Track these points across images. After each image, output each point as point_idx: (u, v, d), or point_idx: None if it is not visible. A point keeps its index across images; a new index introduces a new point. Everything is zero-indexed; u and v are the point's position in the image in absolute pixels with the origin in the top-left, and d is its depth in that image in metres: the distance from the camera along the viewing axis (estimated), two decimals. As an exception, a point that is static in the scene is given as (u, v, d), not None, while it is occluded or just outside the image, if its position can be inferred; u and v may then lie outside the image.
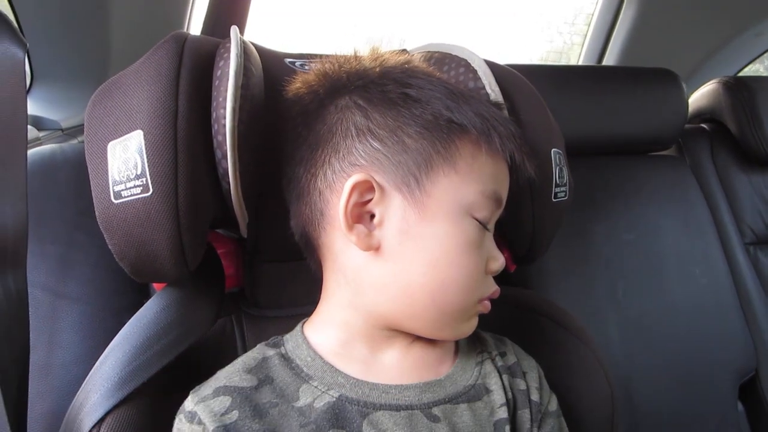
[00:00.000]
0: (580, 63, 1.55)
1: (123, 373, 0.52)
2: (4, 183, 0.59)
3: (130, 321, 0.56)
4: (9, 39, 0.60)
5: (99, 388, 0.51)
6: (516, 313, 0.69)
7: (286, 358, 0.54)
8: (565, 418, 0.60)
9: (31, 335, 0.63)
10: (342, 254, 0.54)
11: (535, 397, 0.57)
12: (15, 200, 0.59)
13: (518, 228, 0.66)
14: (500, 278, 0.78)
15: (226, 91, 0.54)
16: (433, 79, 0.57)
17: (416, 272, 0.52)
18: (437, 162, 0.52)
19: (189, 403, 0.50)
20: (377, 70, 0.56)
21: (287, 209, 0.61)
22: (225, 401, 0.49)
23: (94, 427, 0.49)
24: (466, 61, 0.65)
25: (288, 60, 0.68)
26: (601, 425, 0.65)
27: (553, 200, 0.66)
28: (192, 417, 0.49)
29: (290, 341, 0.56)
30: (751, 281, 1.07)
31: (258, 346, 0.56)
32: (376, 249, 0.52)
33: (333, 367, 0.53)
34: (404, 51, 0.73)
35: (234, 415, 0.48)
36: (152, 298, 0.58)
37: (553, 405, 0.58)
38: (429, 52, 0.70)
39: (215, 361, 0.59)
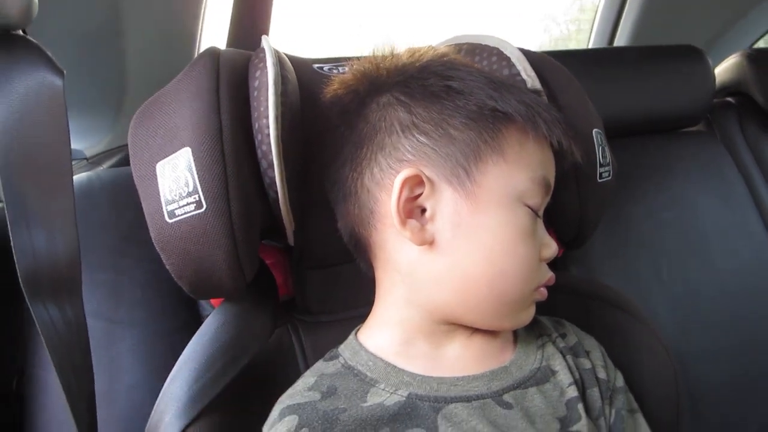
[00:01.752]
0: (590, 47, 1.54)
1: (191, 391, 0.52)
2: (53, 212, 0.60)
3: (193, 340, 0.56)
4: (46, 68, 0.61)
5: (171, 408, 0.51)
6: (568, 298, 0.69)
7: (346, 368, 0.53)
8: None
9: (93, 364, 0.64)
10: (395, 251, 0.54)
11: (602, 375, 0.56)
12: (66, 229, 0.60)
13: (565, 212, 0.66)
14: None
15: (266, 100, 0.54)
16: (473, 70, 0.57)
17: (472, 264, 0.51)
18: (485, 152, 0.52)
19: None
20: (417, 65, 0.56)
21: (330, 213, 0.61)
22: (292, 421, 0.48)
23: None
24: (497, 49, 0.65)
25: (317, 66, 0.68)
26: (666, 406, 0.63)
27: (598, 181, 0.65)
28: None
29: (347, 350, 0.55)
30: (793, 250, 1.06)
31: (315, 365, 0.56)
32: (430, 243, 0.52)
33: (396, 367, 0.52)
34: (431, 47, 0.73)
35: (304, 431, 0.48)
36: (211, 314, 0.58)
37: (620, 381, 0.58)
38: (457, 44, 0.69)
39: (279, 370, 0.59)
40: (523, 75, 0.63)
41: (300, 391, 0.52)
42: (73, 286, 0.60)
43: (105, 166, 1.14)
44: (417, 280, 0.53)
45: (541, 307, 0.62)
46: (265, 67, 0.56)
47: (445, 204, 0.52)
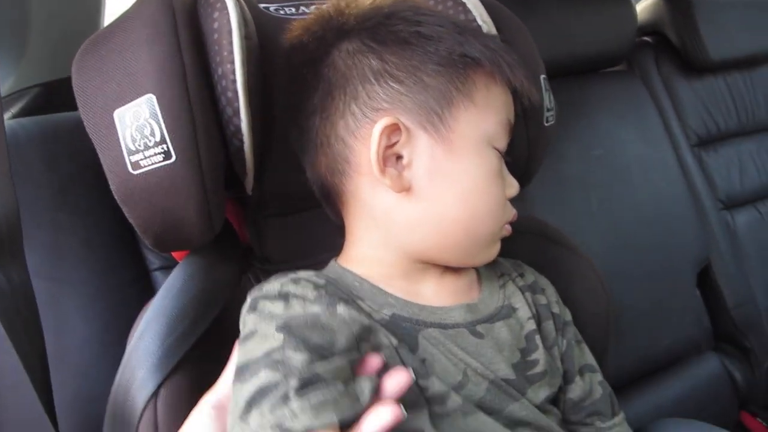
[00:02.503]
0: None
1: (165, 345, 0.51)
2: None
3: (159, 294, 0.54)
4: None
5: (144, 363, 0.50)
6: (515, 237, 0.73)
7: (333, 281, 0.52)
8: None
9: (39, 324, 0.61)
10: (371, 198, 0.55)
11: (555, 309, 0.61)
12: (2, 191, 0.55)
13: (513, 154, 0.68)
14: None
15: (230, 44, 0.52)
16: (440, 16, 0.57)
17: (448, 207, 0.53)
18: (456, 97, 0.53)
19: (272, 288, 0.49)
20: (384, 10, 0.55)
21: (289, 161, 0.60)
22: (307, 284, 0.49)
23: (149, 401, 0.49)
24: (453, -6, 0.64)
25: (262, 6, 0.65)
26: (599, 329, 0.70)
27: (545, 124, 0.68)
28: (283, 295, 0.48)
29: (330, 273, 0.56)
30: (699, 179, 1.17)
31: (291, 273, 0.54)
32: (407, 189, 0.53)
33: (382, 289, 0.54)
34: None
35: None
36: (177, 267, 0.56)
37: (569, 315, 0.63)
38: None
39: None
40: (479, 21, 0.63)
41: (291, 277, 0.51)
42: (15, 248, 0.56)
43: (12, 111, 1.04)
44: (394, 225, 0.54)
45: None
46: (225, 8, 0.53)
47: (421, 150, 0.52)
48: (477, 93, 0.54)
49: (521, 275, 0.63)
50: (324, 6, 0.57)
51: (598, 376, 0.61)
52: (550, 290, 0.63)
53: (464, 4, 0.64)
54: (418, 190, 0.53)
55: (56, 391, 0.61)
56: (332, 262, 0.58)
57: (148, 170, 0.49)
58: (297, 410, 0.38)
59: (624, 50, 1.12)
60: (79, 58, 0.52)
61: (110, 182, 0.50)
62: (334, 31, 0.55)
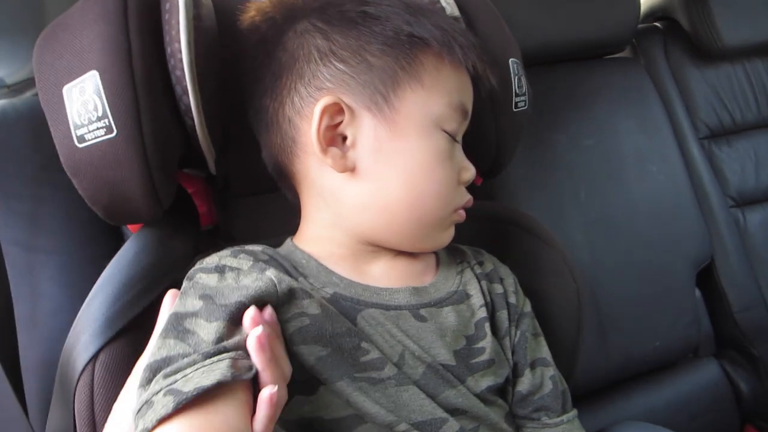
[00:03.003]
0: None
1: (109, 312, 0.53)
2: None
3: (111, 263, 0.56)
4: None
5: (88, 328, 0.52)
6: (485, 224, 0.72)
7: (276, 258, 0.54)
8: (537, 318, 0.64)
9: (13, 290, 0.64)
10: (318, 179, 0.55)
11: (512, 299, 0.60)
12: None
13: (482, 140, 0.67)
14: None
15: (178, 24, 0.53)
16: None
17: (393, 188, 0.53)
18: (403, 78, 0.52)
19: (197, 270, 0.50)
20: None
21: (255, 142, 0.61)
22: (247, 257, 0.51)
23: (87, 364, 0.51)
24: (418, -25, 0.64)
25: None
26: (570, 321, 0.69)
27: (514, 110, 0.67)
28: (219, 269, 0.49)
29: (281, 250, 0.56)
30: (706, 174, 1.11)
31: (241, 246, 0.55)
32: (352, 170, 0.53)
33: (327, 268, 0.54)
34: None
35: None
36: (129, 239, 0.58)
37: (527, 307, 0.62)
38: None
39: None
40: (442, 2, 0.63)
41: (235, 253, 0.52)
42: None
43: (28, 94, 1.09)
44: (341, 206, 0.55)
45: (460, 234, 0.65)
46: None
47: (365, 131, 0.53)
48: (425, 74, 0.53)
49: (480, 263, 0.62)
50: None
51: (550, 371, 0.60)
52: (510, 280, 0.62)
53: None
54: (363, 171, 0.53)
55: (26, 351, 0.65)
56: (288, 240, 0.59)
57: (92, 144, 0.51)
58: (192, 376, 0.39)
59: (626, 36, 1.07)
60: (41, 36, 0.54)
61: (60, 155, 0.52)
62: (286, 12, 0.56)
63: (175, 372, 0.40)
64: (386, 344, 0.51)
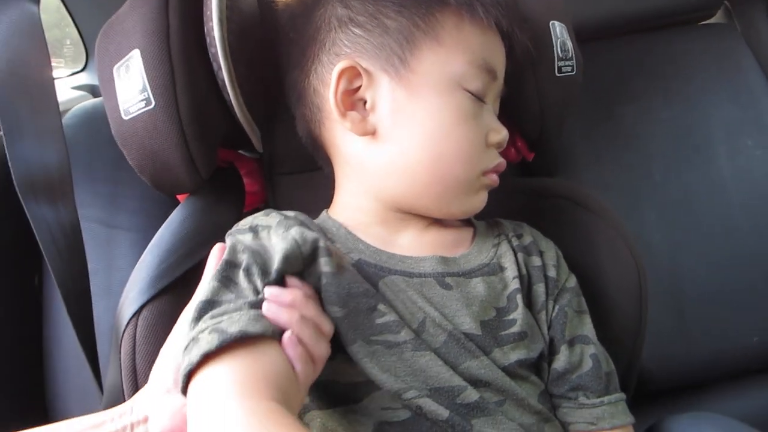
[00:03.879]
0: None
1: (154, 273, 0.58)
2: (43, 128, 0.67)
3: (160, 229, 0.61)
4: (24, -3, 0.66)
5: (135, 286, 0.58)
6: (537, 200, 0.69)
7: (306, 223, 0.55)
8: (590, 296, 0.60)
9: (92, 262, 0.71)
10: (343, 145, 0.57)
11: (551, 273, 0.57)
12: (54, 141, 0.67)
13: (524, 107, 0.65)
14: (523, 169, 0.78)
15: (210, 3, 0.56)
16: None
17: (413, 149, 0.53)
18: (419, 37, 0.52)
19: (234, 232, 0.52)
20: None
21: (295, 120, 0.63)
22: (276, 214, 0.53)
23: (132, 317, 0.56)
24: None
25: None
26: (629, 299, 0.64)
27: (557, 75, 0.64)
28: (253, 228, 0.51)
29: (317, 220, 0.58)
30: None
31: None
32: (372, 133, 0.54)
33: (355, 236, 0.55)
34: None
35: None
36: (178, 207, 0.63)
37: (571, 282, 0.58)
38: None
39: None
40: None
41: (271, 211, 0.55)
42: (64, 189, 0.67)
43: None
44: (366, 170, 0.56)
45: (507, 208, 0.63)
46: None
47: (383, 93, 0.53)
48: (443, 32, 0.53)
49: (519, 236, 0.60)
50: None
51: (591, 349, 0.55)
52: (550, 253, 0.59)
53: None
54: (383, 134, 0.54)
55: (101, 318, 0.72)
56: (323, 212, 0.60)
57: (135, 116, 0.56)
58: (238, 319, 0.41)
59: (712, 1, 0.96)
60: (103, 27, 0.61)
61: (111, 127, 0.58)
62: None
63: (222, 314, 0.42)
64: (406, 310, 0.50)
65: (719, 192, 0.87)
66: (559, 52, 0.63)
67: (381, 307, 0.49)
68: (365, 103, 0.54)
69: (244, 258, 0.47)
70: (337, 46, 0.54)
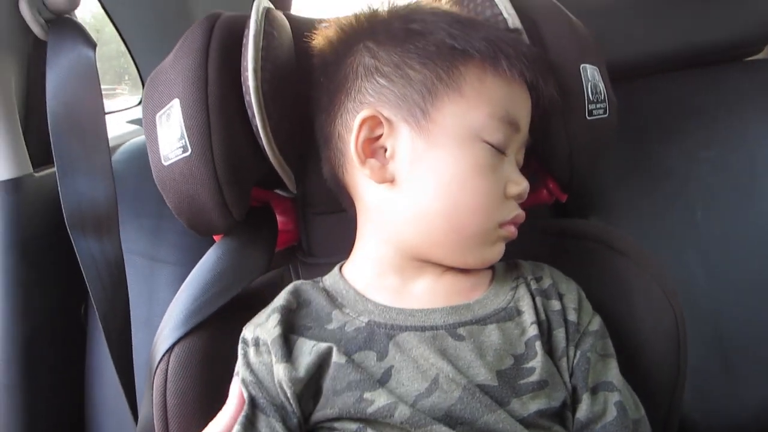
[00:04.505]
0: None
1: (187, 310, 0.59)
2: (93, 165, 0.71)
3: (196, 267, 0.64)
4: (83, 43, 0.72)
5: (169, 322, 0.60)
6: (567, 242, 0.68)
7: (323, 289, 0.58)
8: (624, 343, 0.58)
9: (133, 294, 0.75)
10: (364, 191, 0.58)
11: (572, 317, 0.55)
12: (104, 178, 0.71)
13: (554, 150, 0.65)
14: (557, 210, 0.77)
15: (247, 54, 0.59)
16: (439, 12, 0.58)
17: (429, 198, 0.54)
18: (441, 89, 0.53)
19: (248, 333, 0.55)
20: (386, 13, 0.59)
21: (328, 163, 0.65)
22: (276, 318, 0.54)
23: (165, 353, 0.58)
24: (482, -11, 0.65)
25: (323, 25, 0.72)
26: (666, 346, 0.61)
27: (588, 118, 0.63)
28: (252, 342, 0.54)
29: (328, 279, 0.60)
30: None
31: (297, 282, 0.61)
32: (392, 181, 0.55)
33: (364, 296, 0.56)
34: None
35: (284, 327, 0.53)
36: (212, 247, 0.65)
37: (595, 325, 0.57)
38: None
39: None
40: (504, 14, 0.62)
41: (284, 294, 0.57)
42: (111, 225, 0.71)
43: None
44: (384, 217, 0.57)
45: (540, 252, 0.62)
46: (249, 24, 0.61)
47: (403, 142, 0.54)
48: (466, 85, 0.53)
49: (538, 279, 0.59)
50: (345, 16, 0.62)
51: (616, 396, 0.53)
52: (572, 296, 0.58)
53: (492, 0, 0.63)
54: (402, 182, 0.55)
55: (140, 349, 0.75)
56: (336, 268, 0.61)
57: (173, 162, 0.59)
58: None
59: (760, 34, 0.93)
60: (150, 76, 0.65)
61: (153, 173, 0.62)
62: (345, 36, 0.60)
63: None
64: (418, 371, 0.50)
65: (764, 233, 0.83)
66: (590, 95, 0.63)
67: (367, 395, 0.49)
68: (386, 150, 0.55)
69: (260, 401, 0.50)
70: (361, 94, 0.56)
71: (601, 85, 0.65)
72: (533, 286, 0.57)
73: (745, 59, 1.04)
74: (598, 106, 0.64)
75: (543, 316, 0.55)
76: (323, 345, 0.51)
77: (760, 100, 0.92)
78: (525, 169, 0.64)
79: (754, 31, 0.95)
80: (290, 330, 0.54)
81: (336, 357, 0.50)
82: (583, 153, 0.64)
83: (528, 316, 0.54)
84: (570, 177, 0.66)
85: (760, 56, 1.05)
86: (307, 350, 0.51)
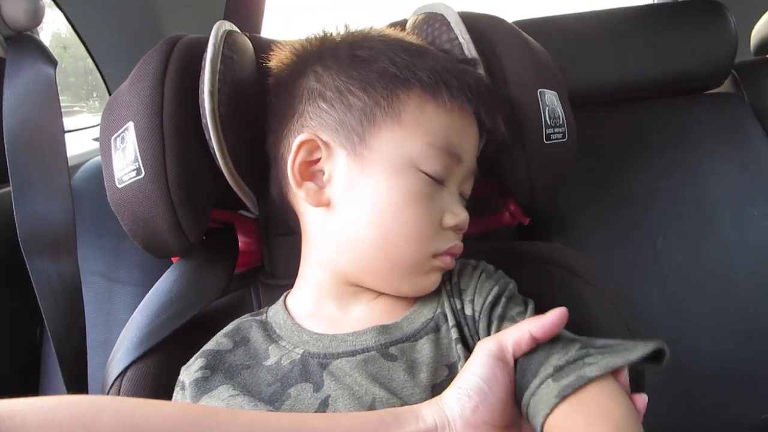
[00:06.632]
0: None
1: (141, 334, 0.58)
2: (51, 185, 0.70)
3: (151, 290, 0.63)
4: (43, 60, 0.71)
5: (122, 346, 0.59)
6: (531, 265, 0.68)
7: (263, 323, 0.58)
8: None
9: (91, 316, 0.73)
10: (304, 214, 0.58)
11: (468, 311, 0.54)
12: (62, 198, 0.70)
13: (513, 173, 0.65)
14: (522, 233, 0.77)
15: (204, 78, 0.59)
16: (388, 40, 0.59)
17: (362, 224, 0.54)
18: (380, 116, 0.54)
19: (181, 374, 0.55)
20: (338, 39, 0.59)
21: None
22: (200, 362, 0.54)
23: (117, 378, 0.57)
24: (441, 15, 0.65)
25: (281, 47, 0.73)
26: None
27: (546, 142, 0.64)
28: (180, 385, 0.54)
29: (272, 309, 0.60)
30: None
31: (244, 316, 0.61)
32: (327, 205, 0.55)
33: (301, 327, 0.56)
34: (405, 20, 0.74)
35: (206, 372, 0.53)
36: (168, 270, 0.64)
37: (490, 297, 0.54)
38: (415, 16, 0.71)
39: (232, 324, 0.64)
40: (460, 39, 0.63)
41: (217, 337, 0.57)
42: (68, 246, 0.69)
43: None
44: (320, 241, 0.57)
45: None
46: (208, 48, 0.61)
47: (340, 167, 0.55)
48: (405, 113, 0.54)
49: (451, 280, 0.58)
50: (299, 39, 0.63)
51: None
52: (470, 288, 0.56)
53: (449, 24, 0.64)
54: (337, 206, 0.55)
55: (96, 373, 0.73)
56: (282, 297, 0.61)
57: (127, 184, 0.58)
58: None
59: (721, 69, 0.96)
60: (109, 98, 0.65)
61: (107, 194, 0.61)
62: (296, 59, 0.60)
63: None
64: (353, 397, 0.49)
65: (724, 263, 0.85)
66: (548, 119, 0.64)
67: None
68: (324, 174, 0.55)
69: None
70: (304, 117, 0.56)
71: (560, 110, 0.65)
72: (447, 287, 0.57)
73: (705, 92, 1.07)
74: (556, 130, 0.65)
75: (460, 317, 0.54)
76: (239, 399, 0.50)
77: (718, 133, 0.95)
78: (486, 193, 0.65)
79: (715, 65, 0.98)
80: (222, 372, 0.53)
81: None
82: (542, 176, 0.65)
83: (450, 320, 0.54)
84: (530, 200, 0.67)
85: (719, 90, 1.08)
86: (223, 398, 0.51)
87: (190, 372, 0.53)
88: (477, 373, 0.45)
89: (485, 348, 0.47)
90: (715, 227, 0.87)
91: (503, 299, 0.54)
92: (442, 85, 0.53)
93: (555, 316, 0.47)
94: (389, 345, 0.52)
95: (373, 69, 0.54)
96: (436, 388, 0.50)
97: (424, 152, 0.53)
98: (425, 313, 0.56)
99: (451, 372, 0.51)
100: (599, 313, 0.63)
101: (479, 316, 0.54)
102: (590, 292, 0.63)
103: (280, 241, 0.71)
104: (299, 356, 0.53)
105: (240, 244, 0.70)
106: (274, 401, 0.50)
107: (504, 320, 0.53)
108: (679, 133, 0.94)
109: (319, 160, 0.55)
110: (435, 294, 0.57)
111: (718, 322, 0.82)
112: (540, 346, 0.48)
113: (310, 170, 0.55)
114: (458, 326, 0.54)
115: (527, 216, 0.71)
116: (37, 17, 0.72)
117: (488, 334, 0.52)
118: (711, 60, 0.97)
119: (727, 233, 0.87)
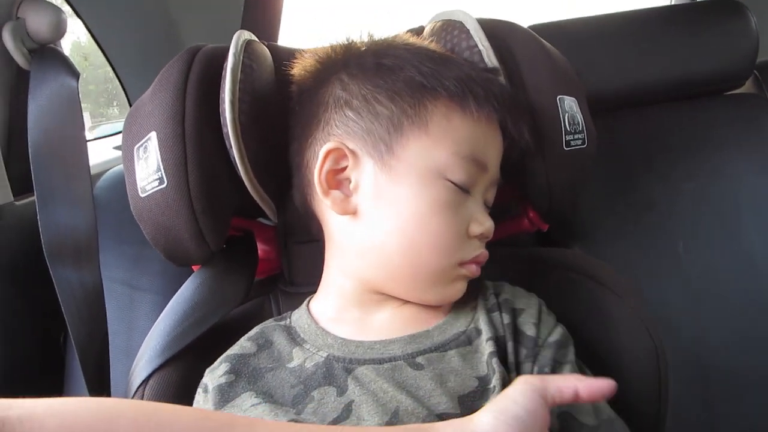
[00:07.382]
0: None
1: (164, 341, 0.59)
2: (74, 194, 0.71)
3: (173, 298, 0.63)
4: (66, 72, 0.72)
5: (146, 354, 0.59)
6: (550, 271, 0.67)
7: (286, 327, 0.59)
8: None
9: (113, 323, 0.74)
10: (329, 222, 0.58)
11: (530, 332, 0.54)
12: (84, 207, 0.71)
13: (532, 180, 0.65)
14: (541, 239, 0.77)
15: (224, 88, 0.60)
16: (413, 48, 0.59)
17: (388, 233, 0.54)
18: (407, 126, 0.54)
19: (204, 377, 0.55)
20: (363, 47, 0.60)
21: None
22: (225, 367, 0.54)
23: (140, 385, 0.57)
24: (460, 23, 0.65)
25: (304, 55, 0.73)
26: (647, 382, 0.61)
27: (566, 149, 0.63)
28: (203, 387, 0.55)
29: (296, 314, 0.60)
30: None
31: (267, 321, 0.61)
32: (353, 213, 0.55)
33: (325, 330, 0.56)
34: (421, 27, 0.74)
35: (230, 377, 0.53)
36: (189, 278, 0.65)
37: (555, 335, 0.55)
38: (433, 23, 0.71)
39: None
40: (479, 46, 0.63)
41: (242, 341, 0.57)
42: (90, 254, 0.71)
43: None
44: (346, 249, 0.57)
45: (519, 280, 0.62)
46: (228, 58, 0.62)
47: (367, 175, 0.55)
48: (432, 123, 0.54)
49: (497, 294, 0.58)
50: (322, 47, 0.63)
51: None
52: (531, 311, 0.56)
53: (468, 31, 0.64)
54: (363, 215, 0.55)
55: (118, 380, 0.74)
56: (305, 302, 0.62)
57: (150, 194, 0.59)
58: None
59: (741, 69, 0.94)
60: (130, 110, 0.66)
61: (130, 204, 0.62)
62: (321, 67, 0.61)
63: None
64: (377, 404, 0.49)
65: (747, 266, 0.83)
66: (567, 126, 0.63)
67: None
68: (351, 182, 0.55)
69: None
70: (330, 125, 0.56)
71: (579, 116, 0.65)
72: (491, 301, 0.57)
73: (726, 93, 1.05)
74: (576, 136, 0.64)
75: (501, 332, 0.54)
76: (260, 408, 0.50)
77: (740, 134, 0.93)
78: (505, 199, 0.65)
79: (736, 65, 0.97)
80: (246, 376, 0.53)
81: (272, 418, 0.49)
82: (561, 183, 0.65)
83: (485, 334, 0.54)
84: (549, 207, 0.66)
85: (741, 90, 1.06)
86: (245, 408, 0.51)
87: (214, 376, 0.54)
88: (519, 402, 0.44)
89: (529, 382, 0.46)
90: (738, 230, 0.86)
91: (570, 346, 0.55)
92: (468, 94, 0.53)
93: (605, 384, 0.46)
94: (417, 354, 0.52)
95: (399, 78, 0.55)
96: (462, 400, 0.49)
97: (450, 161, 0.53)
98: (458, 325, 0.55)
99: (481, 384, 0.50)
100: (623, 323, 0.62)
101: (543, 343, 0.54)
102: (614, 300, 0.63)
103: (300, 248, 0.71)
104: (323, 359, 0.53)
105: (259, 251, 0.71)
106: (297, 403, 0.50)
107: (563, 366, 0.53)
108: (700, 136, 0.93)
109: (345, 168, 0.55)
110: (470, 307, 0.57)
111: (740, 327, 0.81)
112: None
113: (337, 178, 0.56)
114: (496, 341, 0.53)
115: (546, 222, 0.71)
116: (60, 30, 0.74)
117: (543, 367, 0.52)
118: (732, 60, 0.96)
119: (750, 236, 0.86)
